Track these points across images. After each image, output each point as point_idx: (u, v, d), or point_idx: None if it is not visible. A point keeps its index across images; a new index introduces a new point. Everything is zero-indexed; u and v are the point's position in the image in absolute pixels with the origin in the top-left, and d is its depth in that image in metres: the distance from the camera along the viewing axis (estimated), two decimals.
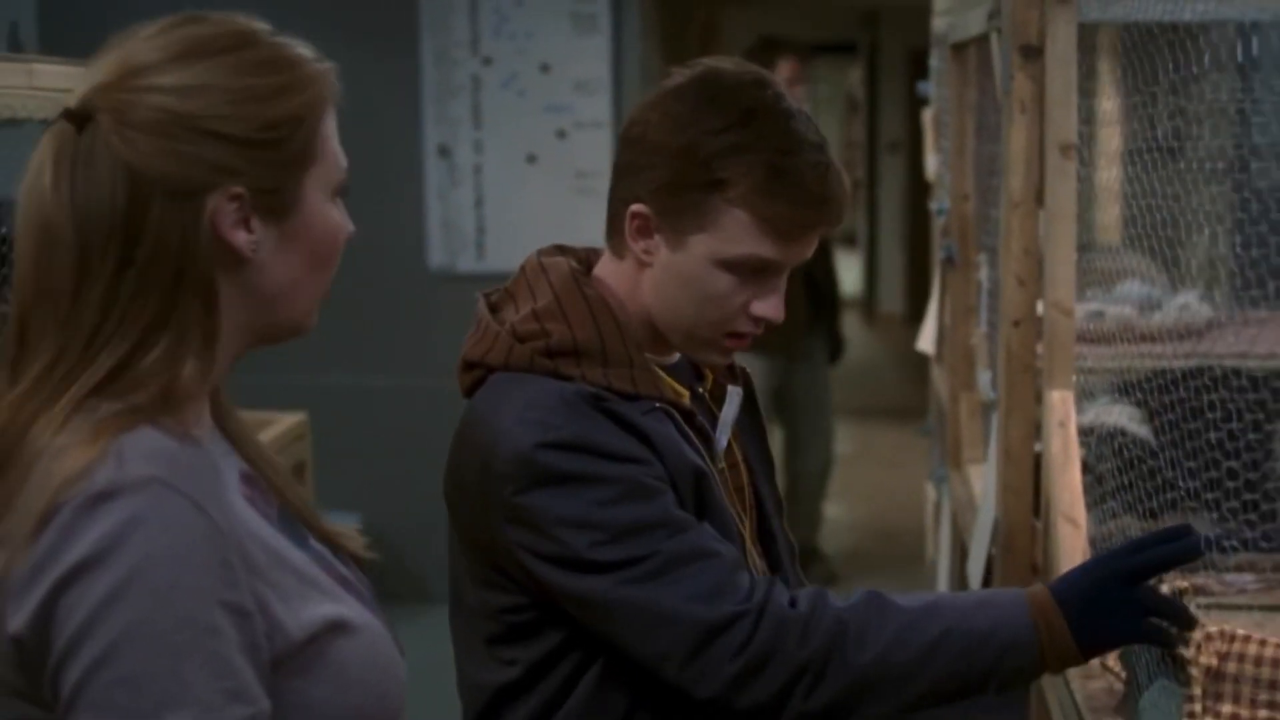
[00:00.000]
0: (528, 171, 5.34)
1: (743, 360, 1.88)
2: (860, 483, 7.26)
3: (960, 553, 3.04)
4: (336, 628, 1.26)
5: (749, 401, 1.84)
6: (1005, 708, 1.68)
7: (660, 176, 1.65)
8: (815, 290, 5.52)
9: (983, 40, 2.86)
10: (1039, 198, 2.30)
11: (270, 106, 1.27)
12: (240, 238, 1.27)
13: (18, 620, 1.15)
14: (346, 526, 1.44)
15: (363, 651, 1.28)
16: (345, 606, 1.29)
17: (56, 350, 1.23)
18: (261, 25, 1.32)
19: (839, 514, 6.66)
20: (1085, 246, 2.67)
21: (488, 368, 1.69)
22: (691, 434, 1.70)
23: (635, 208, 1.67)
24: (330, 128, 1.33)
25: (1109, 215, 3.15)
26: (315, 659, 1.24)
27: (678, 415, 1.69)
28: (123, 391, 1.22)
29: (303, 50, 1.33)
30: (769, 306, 1.69)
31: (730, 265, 1.65)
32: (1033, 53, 2.25)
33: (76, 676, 1.13)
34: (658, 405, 1.67)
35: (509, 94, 5.30)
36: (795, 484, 5.82)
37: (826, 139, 1.69)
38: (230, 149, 1.25)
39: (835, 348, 5.83)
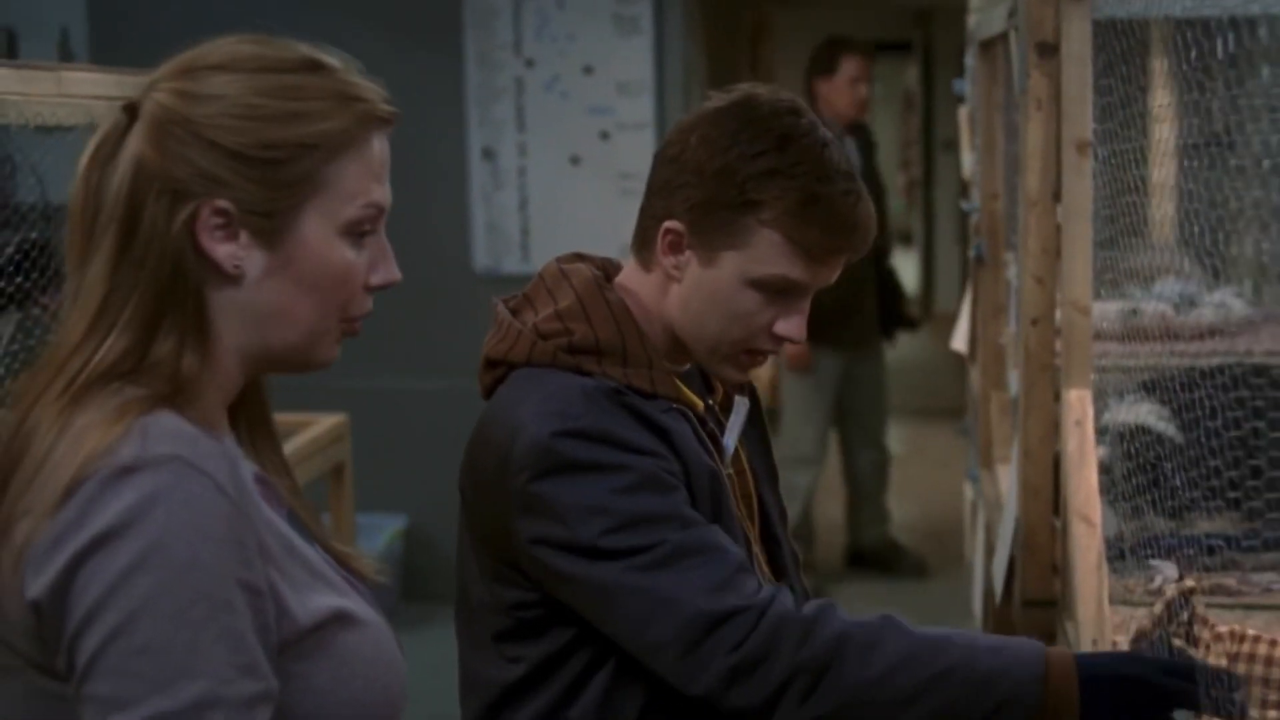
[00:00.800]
0: (572, 173, 5.36)
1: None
2: (912, 482, 7.22)
3: (990, 553, 3.03)
4: (342, 619, 1.29)
5: (754, 413, 1.87)
6: None
7: (696, 195, 1.69)
8: (884, 286, 5.54)
9: (1005, 38, 2.85)
10: (1056, 195, 2.29)
11: (273, 128, 1.28)
12: (222, 251, 1.28)
13: (37, 587, 1.18)
14: (359, 550, 1.47)
15: (366, 645, 1.31)
16: (350, 602, 1.32)
17: (69, 327, 1.27)
18: (325, 58, 1.32)
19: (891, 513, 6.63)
20: (1108, 243, 2.65)
21: (510, 365, 1.72)
22: (704, 437, 1.72)
23: (669, 224, 1.71)
24: (353, 167, 1.31)
25: (1159, 212, 3.13)
26: (320, 647, 1.27)
27: (693, 417, 1.72)
28: (141, 378, 1.25)
29: (354, 90, 1.32)
30: (791, 327, 1.73)
31: (759, 284, 1.69)
32: (1048, 50, 2.24)
33: (94, 645, 1.16)
34: (674, 406, 1.70)
35: (552, 96, 5.33)
36: (856, 484, 5.80)
37: (856, 170, 1.73)
38: (220, 160, 1.27)
39: (902, 324, 5.86)
